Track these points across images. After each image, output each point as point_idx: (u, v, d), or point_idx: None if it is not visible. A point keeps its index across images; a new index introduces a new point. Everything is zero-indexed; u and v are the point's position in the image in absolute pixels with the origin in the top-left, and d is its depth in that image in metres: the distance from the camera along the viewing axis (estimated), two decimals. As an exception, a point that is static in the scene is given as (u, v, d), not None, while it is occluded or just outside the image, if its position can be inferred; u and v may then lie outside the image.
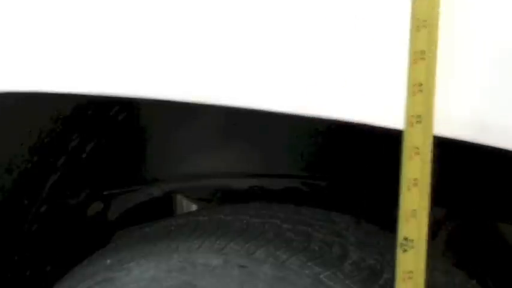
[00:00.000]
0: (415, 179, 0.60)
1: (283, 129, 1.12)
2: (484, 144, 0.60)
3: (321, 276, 0.80)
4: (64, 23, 0.78)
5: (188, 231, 0.90)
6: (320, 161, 1.15)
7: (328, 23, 0.64)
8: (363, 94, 0.63)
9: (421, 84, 0.59)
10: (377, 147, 1.02)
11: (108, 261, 0.93)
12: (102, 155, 1.18)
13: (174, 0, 0.72)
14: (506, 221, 1.05)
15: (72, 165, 1.15)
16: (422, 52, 0.58)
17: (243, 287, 0.82)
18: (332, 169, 1.13)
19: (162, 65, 0.72)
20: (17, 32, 0.81)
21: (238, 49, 0.68)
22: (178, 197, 1.26)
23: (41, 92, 0.80)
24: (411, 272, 0.62)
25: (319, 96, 0.64)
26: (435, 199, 0.63)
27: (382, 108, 0.63)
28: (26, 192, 1.11)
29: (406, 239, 0.61)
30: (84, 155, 1.16)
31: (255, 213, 0.94)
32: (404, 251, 0.62)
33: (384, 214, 1.00)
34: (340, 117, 0.65)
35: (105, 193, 1.24)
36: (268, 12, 0.66)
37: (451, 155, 0.95)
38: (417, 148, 0.60)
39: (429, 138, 0.60)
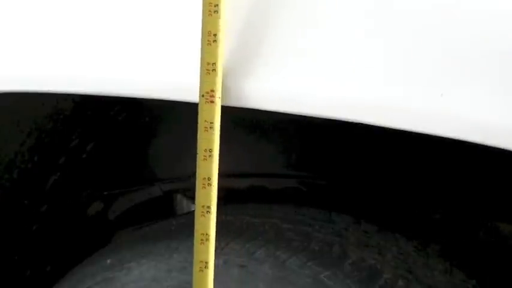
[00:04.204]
0: (210, 150, 0.68)
1: (283, 129, 1.12)
2: (485, 144, 0.60)
3: (321, 276, 0.80)
4: (64, 23, 0.78)
5: (188, 231, 0.90)
6: (320, 161, 1.14)
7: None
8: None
9: (214, 63, 0.66)
10: (377, 147, 1.02)
11: (108, 261, 0.93)
12: (102, 155, 1.18)
13: (174, 1, 0.72)
14: (506, 220, 1.05)
15: (72, 165, 1.15)
16: (215, 35, 0.66)
17: (243, 287, 0.81)
18: (332, 169, 1.13)
19: (162, 64, 0.72)
20: (17, 32, 0.81)
21: (235, 49, 0.68)
22: (178, 197, 1.26)
23: (41, 92, 0.80)
24: (207, 234, 0.71)
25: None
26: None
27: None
28: (26, 192, 1.11)
29: (203, 206, 0.70)
30: (84, 155, 1.16)
31: (255, 213, 0.94)
32: (202, 215, 0.70)
33: (383, 214, 1.00)
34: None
35: (105, 193, 1.24)
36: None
37: (451, 155, 0.95)
38: (211, 123, 0.67)
39: (219, 114, 0.68)
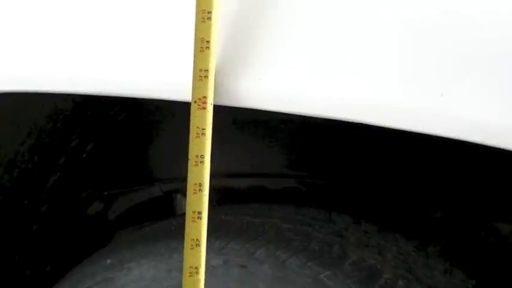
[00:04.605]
0: (202, 156, 0.68)
1: (282, 129, 1.12)
2: (485, 144, 0.60)
3: (321, 276, 0.80)
4: (64, 24, 0.78)
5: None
6: (320, 161, 1.15)
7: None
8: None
9: (206, 70, 0.66)
10: (376, 147, 1.02)
11: (108, 261, 0.93)
12: (102, 155, 1.18)
13: (174, 1, 0.72)
14: (506, 220, 1.05)
15: (72, 165, 1.15)
16: (208, 42, 0.66)
17: (243, 287, 0.82)
18: (332, 169, 1.13)
19: (161, 65, 0.72)
20: (17, 32, 0.81)
21: (231, 49, 0.68)
22: (178, 197, 1.26)
23: (41, 92, 0.80)
24: (198, 240, 0.70)
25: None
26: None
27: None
28: (26, 192, 1.11)
29: (194, 212, 0.69)
30: (84, 155, 1.16)
31: (255, 213, 0.94)
32: (193, 221, 0.69)
33: (383, 214, 1.00)
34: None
35: (105, 193, 1.24)
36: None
37: (451, 155, 0.95)
38: (203, 129, 0.68)
39: (211, 120, 0.68)
